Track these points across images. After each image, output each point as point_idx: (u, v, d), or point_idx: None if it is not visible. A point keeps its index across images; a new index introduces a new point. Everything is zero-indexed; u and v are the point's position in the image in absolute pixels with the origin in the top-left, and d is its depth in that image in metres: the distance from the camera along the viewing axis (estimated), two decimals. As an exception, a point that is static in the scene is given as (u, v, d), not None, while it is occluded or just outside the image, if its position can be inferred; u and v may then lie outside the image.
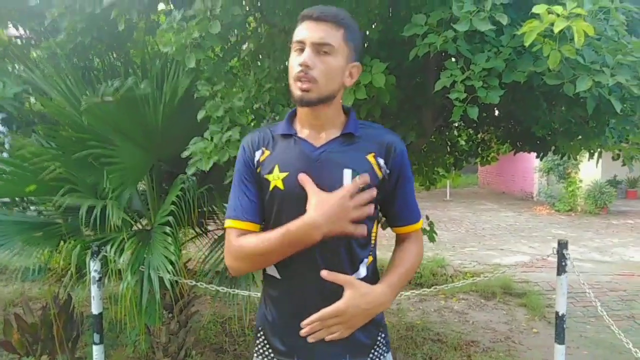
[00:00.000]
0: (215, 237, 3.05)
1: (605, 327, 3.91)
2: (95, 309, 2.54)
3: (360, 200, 1.11)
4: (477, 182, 18.20)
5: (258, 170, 1.22)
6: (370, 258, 1.24)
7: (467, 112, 2.01)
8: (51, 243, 2.63)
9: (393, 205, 1.27)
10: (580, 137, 2.90)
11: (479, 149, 4.28)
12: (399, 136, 1.26)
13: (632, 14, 2.09)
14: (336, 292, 1.12)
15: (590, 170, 10.61)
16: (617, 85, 1.83)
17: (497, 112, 3.62)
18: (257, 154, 1.23)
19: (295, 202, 1.15)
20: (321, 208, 1.08)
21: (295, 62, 1.14)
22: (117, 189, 2.59)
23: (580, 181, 11.07)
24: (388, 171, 1.21)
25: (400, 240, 1.32)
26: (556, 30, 1.60)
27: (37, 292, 4.58)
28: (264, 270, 1.26)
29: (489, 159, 4.38)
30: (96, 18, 2.64)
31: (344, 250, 1.18)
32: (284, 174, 1.17)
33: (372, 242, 1.25)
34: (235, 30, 2.85)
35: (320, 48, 1.13)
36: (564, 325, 2.95)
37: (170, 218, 2.42)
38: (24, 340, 2.75)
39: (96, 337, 2.57)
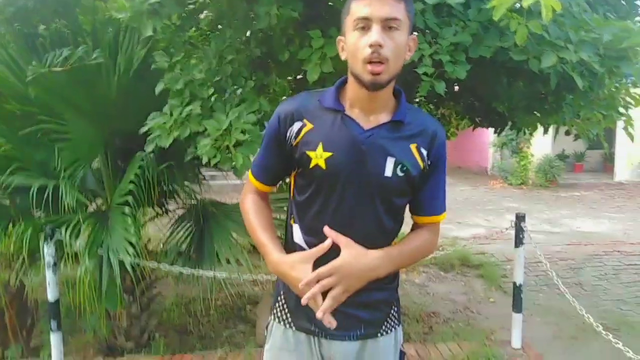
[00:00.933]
0: (177, 216, 2.95)
1: (555, 295, 4.14)
2: (51, 296, 2.42)
3: (314, 292, 1.06)
4: (434, 158, 18.62)
5: (295, 144, 1.16)
6: (396, 242, 1.23)
7: (434, 86, 2.01)
8: (-2, 226, 2.47)
9: (419, 194, 1.22)
10: (538, 113, 2.97)
11: (439, 124, 4.32)
12: (441, 124, 1.23)
13: (593, -10, 2.13)
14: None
15: (541, 145, 11.06)
16: (579, 61, 1.87)
17: (457, 87, 3.65)
18: (296, 125, 1.16)
19: (335, 183, 1.13)
20: (284, 266, 1.13)
21: (362, 43, 1.05)
22: (69, 167, 2.46)
23: (532, 155, 11.52)
24: (429, 162, 1.18)
25: (416, 227, 1.28)
26: (525, 4, 1.60)
27: (-16, 277, 4.33)
28: (292, 237, 1.24)
29: (448, 134, 4.44)
30: (39, -20, 2.44)
31: (376, 230, 1.17)
32: (328, 154, 1.13)
33: (400, 225, 1.25)
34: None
35: (387, 24, 1.05)
36: (521, 295, 3.08)
37: (129, 198, 2.32)
38: (-28, 329, 2.60)
39: (53, 324, 2.46)
